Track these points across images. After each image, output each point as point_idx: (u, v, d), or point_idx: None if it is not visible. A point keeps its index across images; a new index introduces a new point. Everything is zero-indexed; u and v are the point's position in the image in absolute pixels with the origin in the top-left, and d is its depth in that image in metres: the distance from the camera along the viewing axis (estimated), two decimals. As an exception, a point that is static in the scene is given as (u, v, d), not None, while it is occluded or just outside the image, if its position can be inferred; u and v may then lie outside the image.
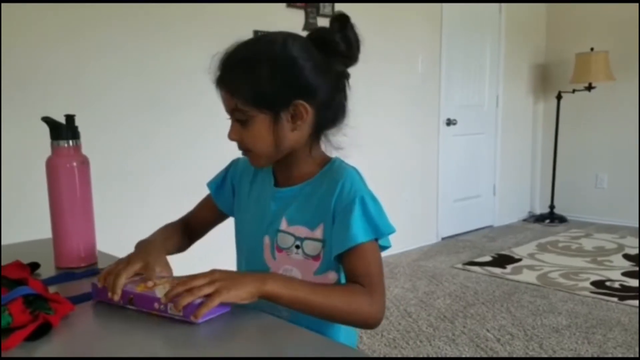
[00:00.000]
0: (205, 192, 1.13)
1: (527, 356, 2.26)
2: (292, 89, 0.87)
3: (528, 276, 3.34)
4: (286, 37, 0.89)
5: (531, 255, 3.81)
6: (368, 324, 0.85)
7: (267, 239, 0.98)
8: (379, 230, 0.88)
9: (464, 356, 2.27)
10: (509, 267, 3.53)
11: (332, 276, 0.94)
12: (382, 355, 2.30)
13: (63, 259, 1.07)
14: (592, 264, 3.58)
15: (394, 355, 2.29)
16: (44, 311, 0.75)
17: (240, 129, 0.90)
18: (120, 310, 0.82)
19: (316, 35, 0.90)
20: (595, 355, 2.26)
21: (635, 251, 3.86)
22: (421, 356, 2.28)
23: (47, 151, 1.05)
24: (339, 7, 3.35)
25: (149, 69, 2.64)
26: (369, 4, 3.55)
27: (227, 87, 0.89)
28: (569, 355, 2.27)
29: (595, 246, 4.05)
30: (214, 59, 0.90)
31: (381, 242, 0.91)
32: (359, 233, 0.86)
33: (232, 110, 0.90)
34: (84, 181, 1.05)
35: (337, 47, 0.88)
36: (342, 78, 0.92)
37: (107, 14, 2.49)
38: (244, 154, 0.95)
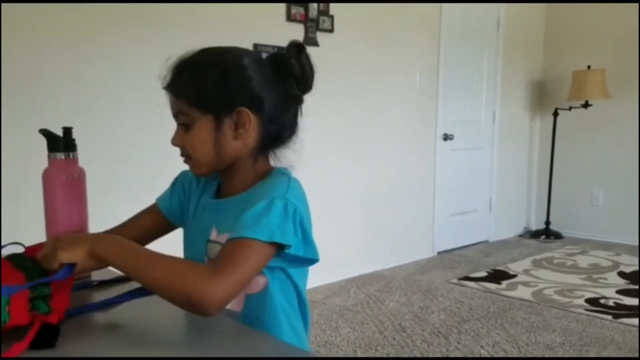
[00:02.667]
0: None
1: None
2: (237, 95, 0.88)
3: (523, 292, 3.34)
4: (240, 50, 0.92)
5: (526, 272, 3.81)
6: (191, 301, 0.75)
7: (204, 251, 0.96)
8: (272, 234, 0.80)
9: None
10: (504, 283, 3.54)
11: (262, 280, 0.89)
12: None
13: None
14: (587, 281, 3.58)
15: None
16: (42, 311, 0.75)
17: (183, 135, 0.91)
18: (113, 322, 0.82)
19: (273, 57, 0.92)
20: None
21: (630, 269, 3.87)
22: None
23: (46, 158, 1.05)
24: (338, 22, 3.38)
25: (148, 76, 2.64)
26: (367, 20, 3.58)
27: (173, 89, 0.90)
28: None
29: (591, 263, 4.06)
30: (166, 64, 0.90)
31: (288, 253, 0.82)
32: (246, 228, 0.80)
33: (176, 114, 0.91)
34: (79, 193, 1.06)
35: (292, 70, 0.89)
36: (295, 101, 0.93)
37: (107, 22, 2.51)
38: (185, 161, 0.95)
